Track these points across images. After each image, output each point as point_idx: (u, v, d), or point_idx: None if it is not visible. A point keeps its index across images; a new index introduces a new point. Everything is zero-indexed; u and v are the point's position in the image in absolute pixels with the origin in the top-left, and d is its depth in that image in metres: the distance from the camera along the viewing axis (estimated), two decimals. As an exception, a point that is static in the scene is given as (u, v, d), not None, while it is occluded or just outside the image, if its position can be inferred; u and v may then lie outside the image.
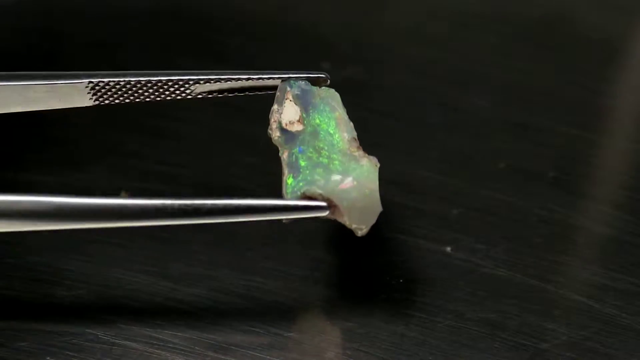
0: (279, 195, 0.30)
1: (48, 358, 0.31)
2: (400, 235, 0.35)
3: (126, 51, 0.44)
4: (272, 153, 0.32)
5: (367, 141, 0.32)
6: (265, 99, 0.32)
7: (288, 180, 0.30)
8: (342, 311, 0.33)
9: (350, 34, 0.47)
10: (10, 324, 0.31)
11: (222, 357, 0.31)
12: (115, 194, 0.36)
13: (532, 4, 0.49)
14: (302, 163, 0.30)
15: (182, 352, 0.31)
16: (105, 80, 0.31)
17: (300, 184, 0.30)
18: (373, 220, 0.30)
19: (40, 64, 0.43)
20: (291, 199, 0.30)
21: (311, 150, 0.30)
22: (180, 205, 0.29)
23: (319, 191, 0.30)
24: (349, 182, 0.30)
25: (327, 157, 0.30)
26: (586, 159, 0.40)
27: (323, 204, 0.30)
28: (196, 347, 0.31)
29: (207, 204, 0.29)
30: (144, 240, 0.34)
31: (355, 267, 0.34)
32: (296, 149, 0.31)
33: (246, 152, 0.38)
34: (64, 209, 0.29)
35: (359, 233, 0.30)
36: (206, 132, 0.40)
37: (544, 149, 0.40)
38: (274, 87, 0.32)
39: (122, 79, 0.31)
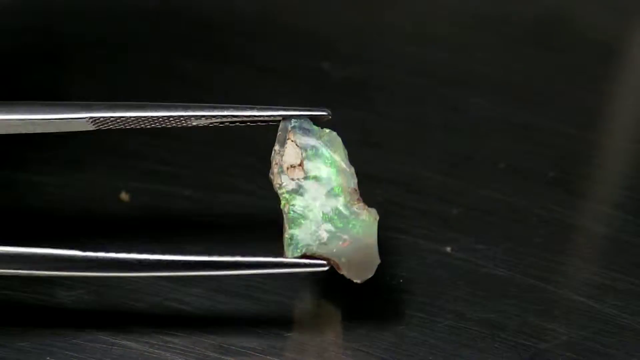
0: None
1: (48, 358, 0.30)
2: (400, 235, 0.35)
3: (126, 51, 0.44)
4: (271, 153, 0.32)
5: (367, 141, 0.32)
6: (266, 97, 0.32)
7: (288, 237, 0.31)
8: (342, 311, 0.33)
9: (350, 34, 0.47)
10: (10, 324, 0.31)
11: (222, 357, 0.31)
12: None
13: (532, 4, 0.49)
14: (303, 221, 0.31)
15: (182, 352, 0.31)
16: (106, 115, 0.31)
17: (300, 243, 0.31)
18: (371, 274, 0.31)
19: (40, 64, 0.43)
20: (291, 257, 0.31)
21: (311, 205, 0.31)
22: (180, 260, 0.30)
23: (319, 251, 0.31)
24: (347, 240, 0.31)
25: (327, 213, 0.31)
26: (586, 159, 0.40)
27: (323, 262, 0.31)
28: (196, 347, 0.31)
29: (205, 261, 0.30)
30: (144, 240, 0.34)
31: (355, 267, 0.34)
32: (297, 204, 0.31)
33: (246, 152, 0.38)
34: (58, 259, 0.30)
35: (357, 282, 0.31)
36: (206, 132, 0.40)
37: (544, 149, 0.40)
38: (276, 121, 0.32)
39: (122, 115, 0.31)
